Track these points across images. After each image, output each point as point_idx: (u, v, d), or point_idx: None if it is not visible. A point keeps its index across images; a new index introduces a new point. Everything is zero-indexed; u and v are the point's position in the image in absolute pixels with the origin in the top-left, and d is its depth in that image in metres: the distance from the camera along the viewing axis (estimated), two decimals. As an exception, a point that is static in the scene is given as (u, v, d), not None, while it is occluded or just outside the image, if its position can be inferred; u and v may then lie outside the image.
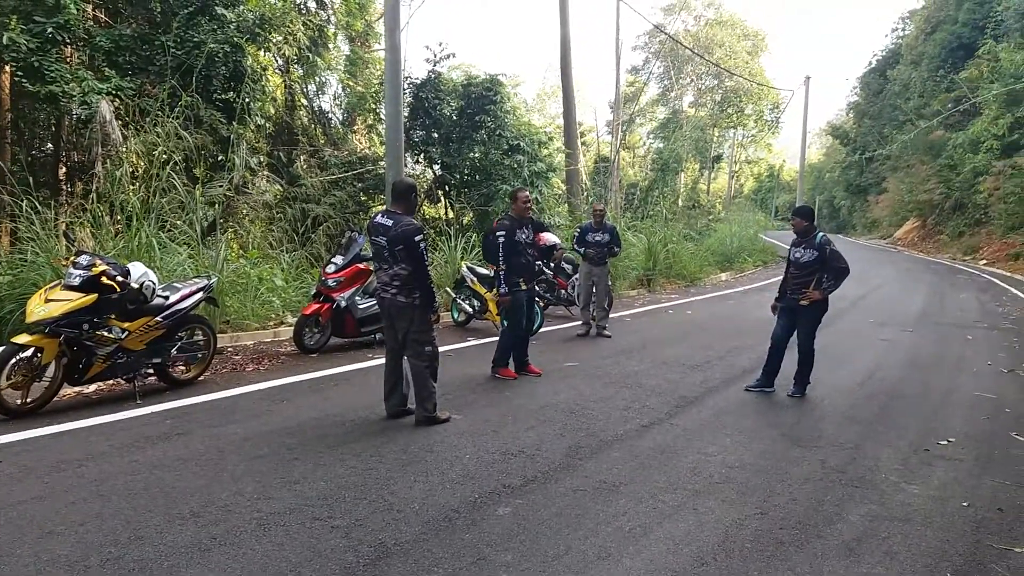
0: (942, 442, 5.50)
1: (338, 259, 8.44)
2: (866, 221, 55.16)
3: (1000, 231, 30.47)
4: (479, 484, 4.27)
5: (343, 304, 8.21)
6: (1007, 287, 19.94)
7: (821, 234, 6.70)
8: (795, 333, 6.81)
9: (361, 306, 8.40)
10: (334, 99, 19.29)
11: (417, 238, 5.27)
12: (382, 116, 17.32)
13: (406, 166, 13.18)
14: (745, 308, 13.74)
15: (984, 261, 29.17)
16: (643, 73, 56.12)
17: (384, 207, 9.25)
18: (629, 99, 51.46)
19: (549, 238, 10.05)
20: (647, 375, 7.51)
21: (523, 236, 7.04)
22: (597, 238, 9.87)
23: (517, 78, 50.87)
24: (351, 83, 18.71)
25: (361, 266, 8.44)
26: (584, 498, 4.13)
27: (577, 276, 10.82)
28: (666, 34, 44.82)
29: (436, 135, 16.85)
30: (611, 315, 10.36)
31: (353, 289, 8.35)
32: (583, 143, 34.96)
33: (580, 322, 10.20)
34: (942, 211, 37.99)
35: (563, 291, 11.56)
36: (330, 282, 8.22)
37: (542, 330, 9.63)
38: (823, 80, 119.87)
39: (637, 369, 7.80)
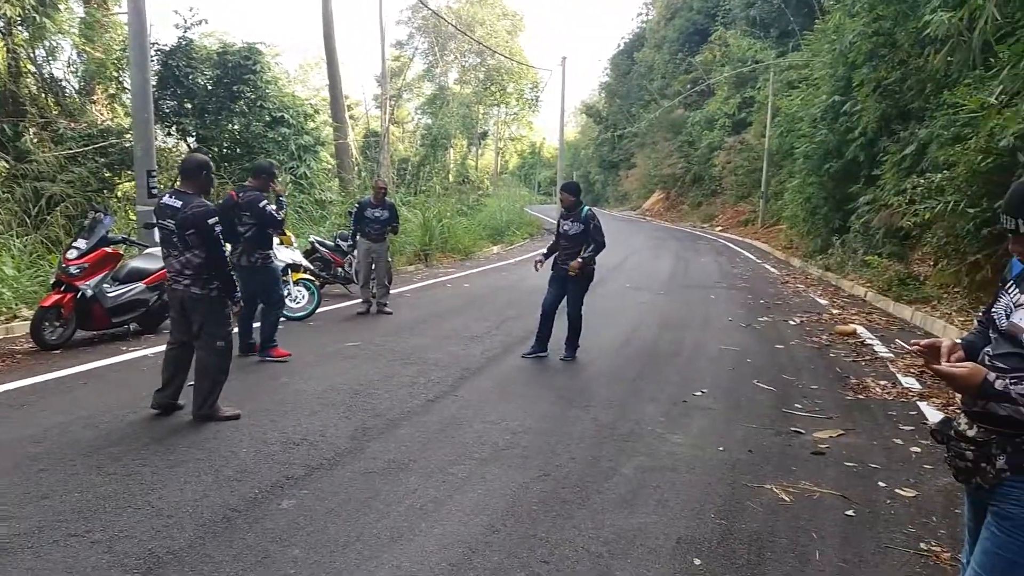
0: (697, 393, 6.09)
1: (81, 243, 7.51)
2: (618, 194, 59.57)
3: (732, 200, 34.45)
4: (259, 479, 4.03)
5: (89, 293, 7.34)
6: (739, 250, 22.60)
7: (586, 208, 7.14)
8: (564, 300, 7.21)
9: (111, 294, 7.56)
10: (68, 66, 17.04)
11: (211, 221, 4.79)
12: (126, 85, 15.70)
13: (156, 139, 12.01)
14: (517, 279, 14.26)
15: (720, 228, 32.77)
16: (408, 48, 56.10)
17: (162, 185, 8.29)
18: (395, 74, 51.07)
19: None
20: (430, 349, 7.54)
21: None
22: (377, 214, 9.66)
23: (277, 48, 48.22)
24: (88, 48, 16.61)
25: (108, 250, 7.61)
26: (374, 480, 4.05)
27: (354, 253, 10.56)
28: (429, 8, 44.93)
29: (190, 105, 15.61)
30: (391, 291, 10.27)
31: (100, 276, 7.49)
32: (352, 117, 34.16)
33: (360, 300, 9.98)
34: (683, 183, 42.07)
35: (340, 269, 11.24)
36: (72, 269, 7.31)
37: (320, 310, 9.33)
38: (579, 61, 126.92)
39: (420, 344, 7.81)
